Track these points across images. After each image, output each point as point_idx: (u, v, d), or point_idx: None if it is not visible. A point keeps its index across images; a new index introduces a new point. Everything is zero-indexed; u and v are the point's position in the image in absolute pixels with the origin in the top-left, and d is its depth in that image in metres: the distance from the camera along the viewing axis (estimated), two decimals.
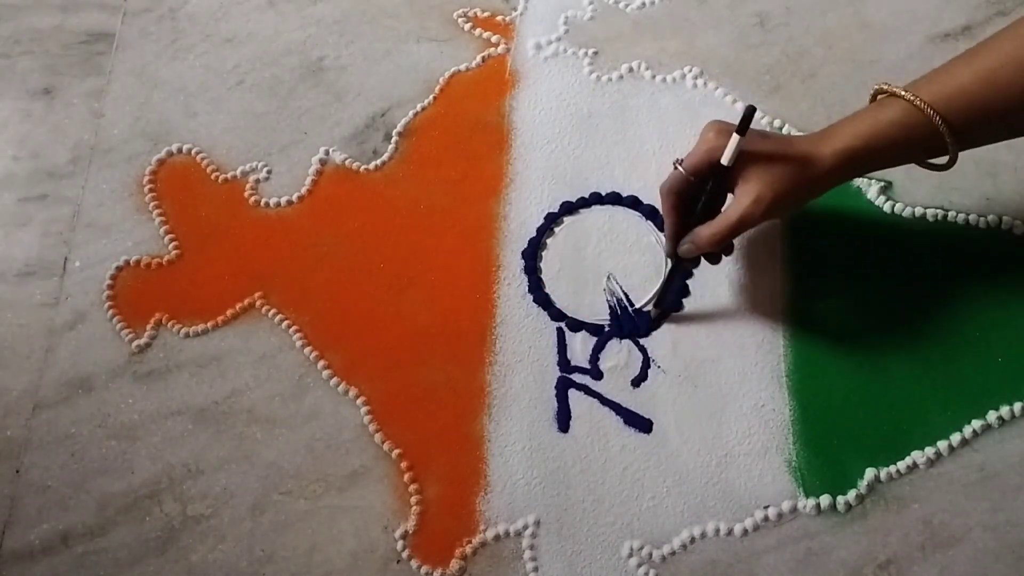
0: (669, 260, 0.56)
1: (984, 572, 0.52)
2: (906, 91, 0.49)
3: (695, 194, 0.53)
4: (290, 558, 0.53)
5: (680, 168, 0.52)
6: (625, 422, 0.56)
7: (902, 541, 0.53)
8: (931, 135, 0.48)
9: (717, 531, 0.53)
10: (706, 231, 0.52)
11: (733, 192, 0.52)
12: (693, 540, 0.53)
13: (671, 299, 0.59)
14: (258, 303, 0.60)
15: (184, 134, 0.66)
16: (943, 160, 0.51)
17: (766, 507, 0.54)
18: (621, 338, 0.59)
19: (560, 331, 0.59)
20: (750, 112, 0.48)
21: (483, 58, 0.68)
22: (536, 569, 0.53)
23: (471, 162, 0.64)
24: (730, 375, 0.57)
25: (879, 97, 0.51)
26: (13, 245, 0.62)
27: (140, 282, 0.61)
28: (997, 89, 0.47)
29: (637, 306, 0.59)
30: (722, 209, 0.53)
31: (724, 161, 0.50)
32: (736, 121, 0.50)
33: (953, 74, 0.48)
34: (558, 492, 0.55)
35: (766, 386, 0.57)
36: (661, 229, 0.61)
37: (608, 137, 0.65)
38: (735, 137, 0.49)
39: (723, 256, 0.56)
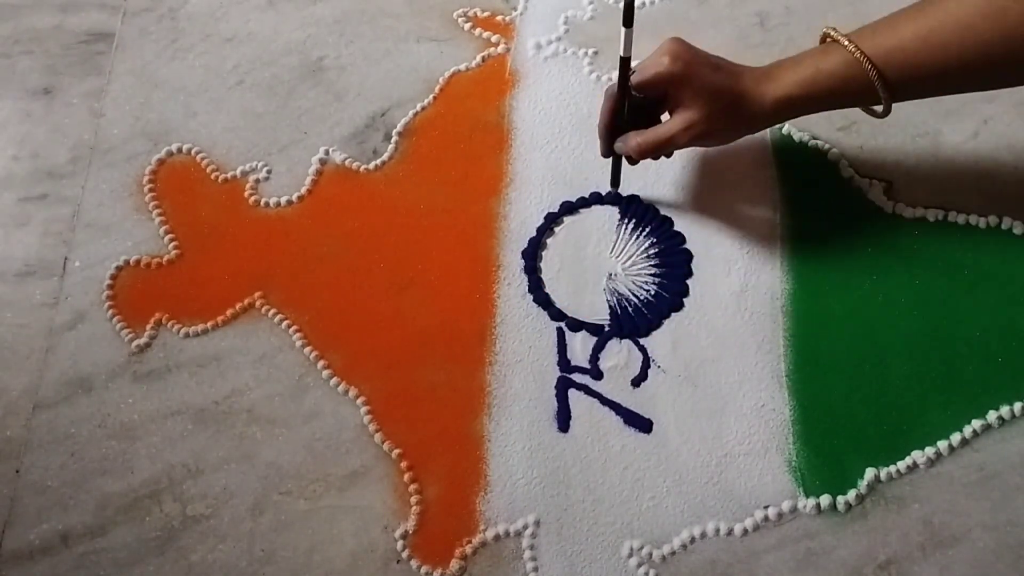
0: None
1: (984, 572, 0.52)
2: (849, 42, 0.50)
3: (624, 100, 0.55)
4: (290, 558, 0.53)
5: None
6: (625, 422, 0.56)
7: (902, 541, 0.53)
8: (868, 87, 0.50)
9: (717, 531, 0.53)
10: (635, 139, 0.55)
11: (670, 111, 0.54)
12: (693, 540, 0.53)
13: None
14: (258, 303, 0.60)
15: (184, 134, 0.66)
16: (880, 108, 0.52)
17: (766, 507, 0.54)
18: (621, 338, 0.59)
19: (560, 331, 0.59)
20: (629, 2, 0.50)
21: (483, 58, 0.68)
22: (536, 569, 0.53)
23: (471, 162, 0.64)
24: (730, 375, 0.57)
25: (827, 40, 0.53)
26: (13, 245, 0.62)
27: (140, 282, 0.61)
28: (935, 48, 0.48)
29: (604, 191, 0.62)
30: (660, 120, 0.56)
31: (620, 53, 0.52)
32: None
33: (896, 28, 0.50)
34: (558, 492, 0.55)
35: (766, 386, 0.57)
36: (659, 228, 0.61)
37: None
38: (623, 29, 0.51)
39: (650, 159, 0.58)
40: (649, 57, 0.53)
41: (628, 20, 0.50)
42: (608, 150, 0.58)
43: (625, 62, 0.52)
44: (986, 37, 0.47)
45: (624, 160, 0.59)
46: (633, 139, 0.55)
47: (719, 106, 0.52)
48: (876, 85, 0.50)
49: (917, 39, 0.49)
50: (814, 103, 0.52)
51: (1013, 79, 0.50)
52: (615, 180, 0.61)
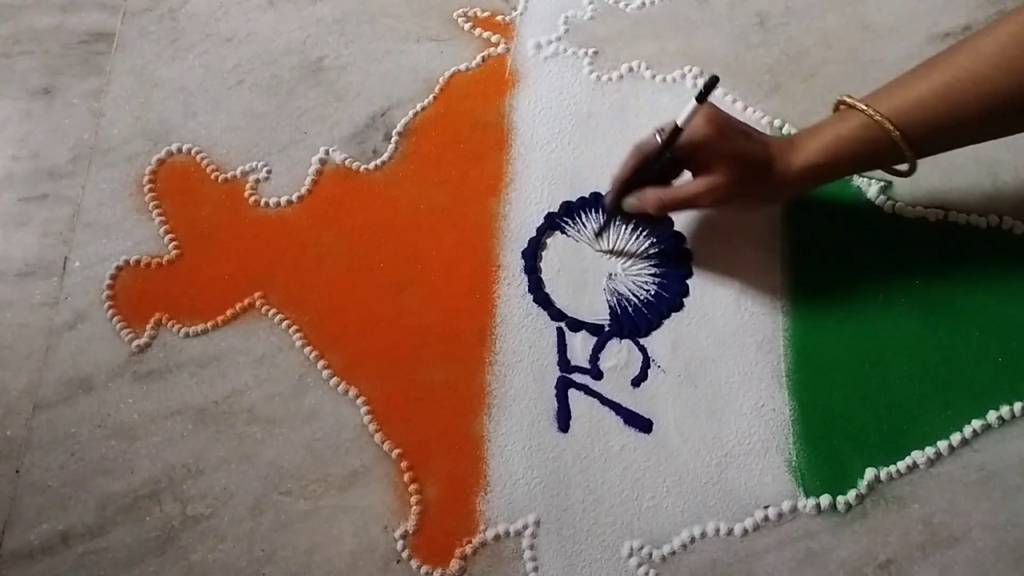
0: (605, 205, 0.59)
1: (984, 572, 0.52)
2: (866, 105, 0.50)
3: (658, 160, 0.54)
4: (290, 558, 0.53)
5: (659, 139, 0.53)
6: (625, 422, 0.56)
7: (902, 541, 0.53)
8: (890, 147, 0.50)
9: (717, 531, 0.53)
10: (654, 194, 0.54)
11: (696, 172, 0.54)
12: (693, 540, 0.53)
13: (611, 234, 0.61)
14: (258, 303, 0.60)
15: (184, 134, 0.66)
16: (904, 167, 0.52)
17: (766, 507, 0.54)
18: (621, 338, 0.59)
19: (560, 331, 0.59)
20: (712, 81, 0.50)
21: (483, 58, 0.68)
22: (536, 569, 0.53)
23: (471, 162, 0.64)
24: (730, 375, 0.57)
25: (841, 107, 0.53)
26: (13, 245, 0.62)
27: (140, 282, 0.61)
28: (953, 103, 0.49)
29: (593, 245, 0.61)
30: (673, 182, 0.56)
31: (679, 122, 0.51)
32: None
33: (911, 87, 0.50)
34: (558, 492, 0.55)
35: (766, 386, 0.57)
36: (656, 226, 0.61)
37: (608, 137, 0.65)
38: (692, 102, 0.50)
39: (655, 219, 0.58)
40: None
41: (703, 96, 0.50)
42: (615, 202, 0.57)
43: (678, 131, 0.51)
44: (1002, 88, 0.47)
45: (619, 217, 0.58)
46: (653, 195, 0.54)
47: (746, 174, 0.52)
48: (900, 144, 0.50)
49: (935, 96, 0.49)
50: (839, 168, 0.52)
51: None
52: (603, 233, 0.60)
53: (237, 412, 0.57)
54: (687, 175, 0.56)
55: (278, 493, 0.55)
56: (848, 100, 0.52)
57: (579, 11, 0.70)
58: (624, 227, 0.61)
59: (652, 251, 0.61)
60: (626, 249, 0.61)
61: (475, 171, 0.64)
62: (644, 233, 0.61)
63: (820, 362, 0.57)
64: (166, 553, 0.53)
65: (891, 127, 0.49)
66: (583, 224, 0.62)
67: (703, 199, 0.53)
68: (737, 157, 0.52)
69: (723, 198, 0.53)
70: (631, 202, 0.56)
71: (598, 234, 0.60)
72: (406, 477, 0.55)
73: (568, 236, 0.61)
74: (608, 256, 0.61)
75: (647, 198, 0.55)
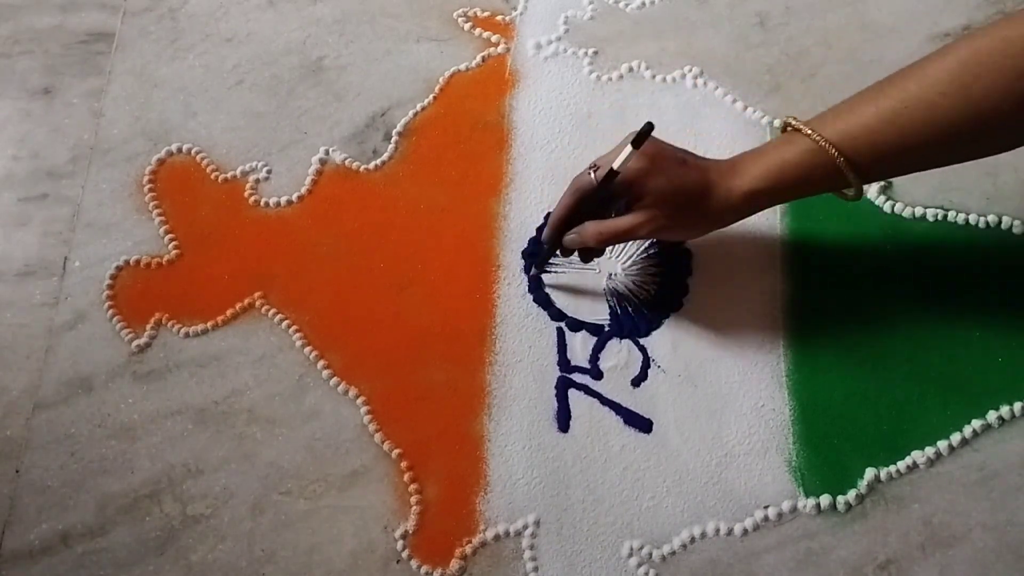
0: (543, 244, 0.59)
1: (984, 572, 0.52)
2: (812, 130, 0.49)
3: (596, 198, 0.53)
4: (290, 558, 0.53)
5: (593, 176, 0.52)
6: (625, 422, 0.56)
7: (902, 541, 0.53)
8: (835, 172, 0.49)
9: (717, 531, 0.53)
10: (594, 228, 0.53)
11: (632, 204, 0.52)
12: (693, 540, 0.53)
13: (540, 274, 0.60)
14: (258, 303, 0.60)
15: (184, 134, 0.66)
16: (850, 191, 0.51)
17: (766, 507, 0.54)
18: (621, 338, 0.59)
19: (560, 331, 0.59)
20: (647, 129, 0.49)
21: (483, 58, 0.68)
22: (536, 569, 0.53)
23: (471, 162, 0.64)
24: (730, 375, 0.57)
25: (787, 129, 0.51)
26: (13, 245, 0.62)
27: (140, 282, 0.61)
28: (900, 129, 0.47)
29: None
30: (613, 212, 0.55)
31: (615, 166, 0.50)
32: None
33: (857, 112, 0.49)
34: (558, 492, 0.55)
35: (766, 386, 0.57)
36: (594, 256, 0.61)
37: (608, 137, 0.65)
38: (628, 148, 0.50)
39: (590, 255, 0.58)
40: (614, 151, 0.52)
41: (638, 142, 0.49)
42: (555, 239, 0.56)
43: (614, 174, 0.51)
44: (950, 115, 0.46)
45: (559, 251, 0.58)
46: (592, 228, 0.53)
47: (683, 202, 0.51)
48: (844, 170, 0.49)
49: (881, 121, 0.48)
50: (782, 193, 0.51)
51: (981, 152, 0.50)
52: (541, 265, 0.60)
53: (237, 412, 0.57)
54: None
55: (278, 493, 0.55)
56: (793, 123, 0.51)
57: (579, 11, 0.70)
58: (563, 260, 0.60)
59: (652, 251, 0.61)
60: (626, 274, 0.60)
61: (475, 171, 0.64)
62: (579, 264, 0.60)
63: (820, 362, 0.57)
64: (166, 553, 0.53)
65: (835, 153, 0.48)
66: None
67: (640, 230, 0.52)
68: (671, 188, 0.51)
69: (661, 227, 0.52)
70: (571, 239, 0.55)
71: (538, 266, 0.60)
72: (406, 477, 0.55)
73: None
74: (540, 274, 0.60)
75: (586, 233, 0.54)
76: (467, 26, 0.70)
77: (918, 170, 0.52)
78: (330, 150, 0.65)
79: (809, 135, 0.49)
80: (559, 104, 0.66)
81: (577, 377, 0.58)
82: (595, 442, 0.56)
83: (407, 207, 0.63)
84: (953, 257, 0.60)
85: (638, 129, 0.50)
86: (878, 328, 0.58)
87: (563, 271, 0.60)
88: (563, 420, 0.56)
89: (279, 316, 0.59)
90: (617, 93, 0.67)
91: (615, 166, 0.50)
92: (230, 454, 0.56)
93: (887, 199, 0.61)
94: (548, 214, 0.62)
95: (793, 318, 0.58)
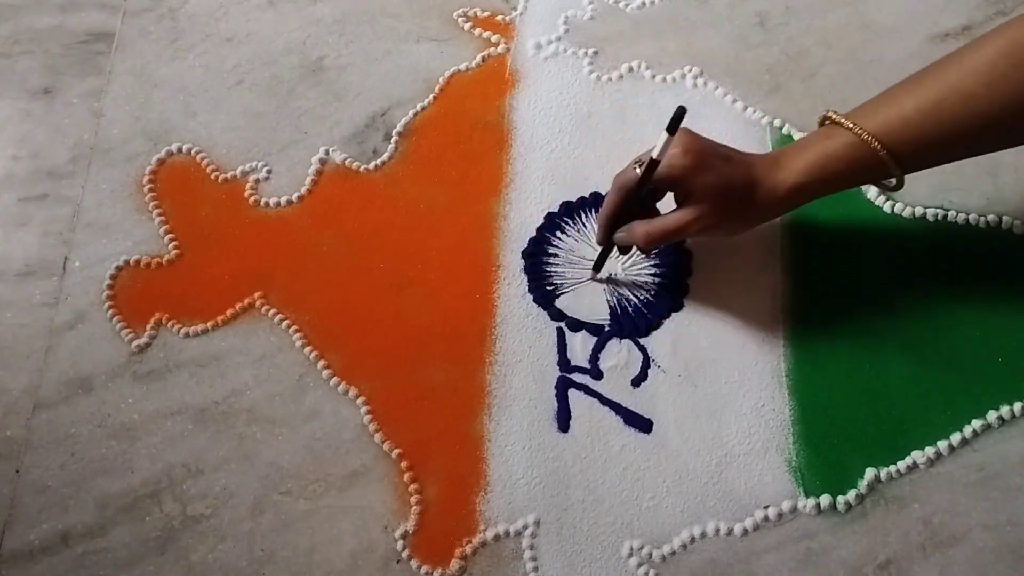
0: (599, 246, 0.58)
1: (984, 572, 0.52)
2: (853, 123, 0.50)
3: (640, 192, 0.53)
4: (290, 558, 0.53)
5: (637, 170, 0.52)
6: (625, 422, 0.56)
7: (902, 541, 0.53)
8: (877, 164, 0.50)
9: (717, 531, 0.53)
10: (642, 228, 0.53)
11: (679, 201, 0.53)
12: (693, 540, 0.53)
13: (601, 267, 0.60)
14: (258, 303, 0.60)
15: (184, 134, 0.66)
16: (892, 182, 0.52)
17: (766, 507, 0.54)
18: (621, 338, 0.59)
19: (560, 331, 0.59)
20: (680, 112, 0.48)
21: (483, 58, 0.68)
22: (536, 569, 0.53)
23: (471, 162, 0.64)
24: (730, 375, 0.57)
25: (826, 123, 0.52)
26: (13, 245, 0.62)
27: (140, 282, 0.61)
28: (940, 121, 0.48)
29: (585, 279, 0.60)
30: (658, 205, 0.55)
31: (654, 155, 0.50)
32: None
33: (897, 104, 0.49)
34: (558, 492, 0.55)
35: (766, 386, 0.57)
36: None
37: (608, 137, 0.65)
38: (664, 136, 0.49)
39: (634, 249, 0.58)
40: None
41: (673, 127, 0.49)
42: (607, 239, 0.56)
43: (655, 164, 0.50)
44: (990, 105, 0.47)
45: (616, 248, 0.58)
46: (640, 228, 0.53)
47: (730, 199, 0.51)
48: (887, 162, 0.49)
49: (920, 113, 0.48)
50: (826, 186, 0.51)
51: (1020, 142, 0.50)
52: (599, 266, 0.59)
53: (237, 412, 0.57)
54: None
55: (278, 493, 0.55)
56: (834, 116, 0.51)
57: (579, 11, 0.70)
58: (624, 260, 0.60)
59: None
60: (625, 274, 0.60)
61: (475, 171, 0.64)
62: (642, 258, 0.61)
63: (820, 362, 0.57)
64: (166, 553, 0.53)
65: (878, 145, 0.49)
66: (583, 224, 0.62)
67: (689, 229, 0.52)
68: (719, 185, 0.51)
69: (710, 226, 0.52)
70: (621, 236, 0.55)
71: (595, 268, 0.59)
72: (406, 477, 0.55)
73: (568, 236, 0.61)
74: (607, 280, 0.60)
75: (635, 234, 0.54)
76: (467, 26, 0.70)
77: (960, 158, 0.52)
78: (330, 150, 0.65)
79: (851, 128, 0.50)
80: (559, 104, 0.66)
81: (577, 377, 0.58)
82: (595, 442, 0.56)
83: (407, 207, 0.63)
84: (953, 257, 0.60)
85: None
86: (878, 328, 0.58)
87: (564, 270, 0.60)
88: (563, 420, 0.56)
89: (279, 316, 0.59)
90: (617, 93, 0.67)
91: (654, 155, 0.50)
92: (230, 454, 0.56)
93: (887, 199, 0.61)
94: (548, 214, 0.62)
95: (793, 318, 0.58)
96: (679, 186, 0.52)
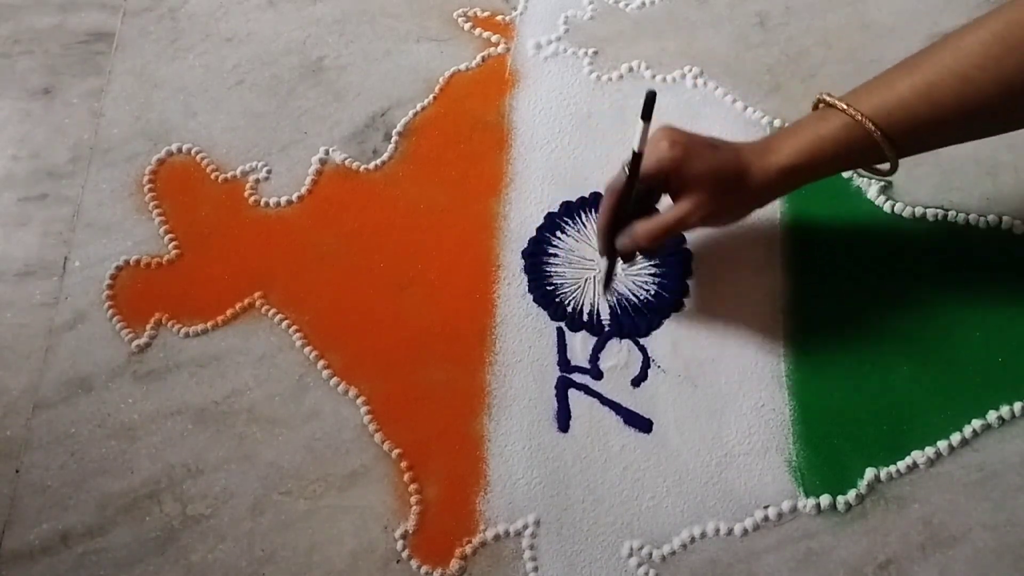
0: (602, 257, 0.58)
1: (984, 572, 0.52)
2: (847, 105, 0.49)
3: (631, 192, 0.53)
4: (290, 558, 0.53)
5: (626, 171, 0.52)
6: (625, 422, 0.56)
7: (902, 541, 0.53)
8: (871, 147, 0.49)
9: (717, 531, 0.53)
10: (644, 227, 0.53)
11: (674, 196, 0.52)
12: (693, 540, 0.53)
13: (612, 285, 0.60)
14: (258, 303, 0.60)
15: (184, 134, 0.66)
16: (886, 166, 0.51)
17: (766, 507, 0.54)
18: (621, 338, 0.59)
19: (560, 331, 0.59)
20: (650, 96, 0.47)
21: (483, 58, 0.68)
22: (536, 569, 0.53)
23: (471, 162, 0.64)
24: (730, 375, 0.57)
25: (820, 106, 0.51)
26: (13, 245, 0.62)
27: (140, 282, 0.61)
28: (935, 102, 0.47)
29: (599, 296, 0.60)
30: (657, 206, 0.55)
31: (634, 147, 0.50)
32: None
33: (893, 86, 0.49)
34: (558, 492, 0.55)
35: (766, 386, 0.57)
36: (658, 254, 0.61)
37: (608, 137, 0.65)
38: (640, 123, 0.48)
39: (640, 254, 0.57)
40: (647, 152, 0.51)
41: (647, 114, 0.48)
42: (608, 248, 0.55)
43: (638, 157, 0.50)
44: (985, 88, 0.46)
45: (619, 261, 0.57)
46: (641, 228, 0.53)
47: (724, 185, 0.51)
48: (881, 144, 0.49)
49: (917, 96, 0.48)
50: (819, 169, 0.51)
51: (1015, 126, 0.50)
52: (608, 283, 0.59)
53: (237, 412, 0.57)
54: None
55: (278, 493, 0.55)
56: (828, 99, 0.50)
57: (579, 11, 0.70)
58: (628, 266, 0.60)
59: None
60: (626, 274, 0.60)
61: (475, 171, 0.64)
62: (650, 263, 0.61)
63: (820, 362, 0.57)
64: (166, 553, 0.53)
65: (872, 127, 0.48)
66: (583, 224, 0.62)
67: (688, 220, 0.51)
68: (710, 170, 0.50)
69: (707, 215, 0.51)
70: (624, 242, 0.54)
71: (606, 286, 0.59)
72: (406, 477, 0.55)
73: (568, 236, 0.61)
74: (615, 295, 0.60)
75: (637, 234, 0.53)
76: (467, 26, 0.70)
77: (955, 142, 0.51)
78: (330, 150, 0.65)
79: (844, 110, 0.49)
80: (559, 104, 0.66)
81: (577, 377, 0.58)
82: (595, 442, 0.56)
83: (407, 207, 0.63)
84: (953, 257, 0.60)
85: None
86: (878, 328, 0.58)
87: (563, 269, 0.60)
88: (563, 420, 0.56)
89: (279, 316, 0.59)
90: (617, 93, 0.67)
91: (635, 147, 0.50)
92: (230, 454, 0.56)
93: (887, 199, 0.61)
94: (548, 214, 0.62)
95: (793, 318, 0.58)
96: (671, 180, 0.52)
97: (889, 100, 0.48)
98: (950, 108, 0.47)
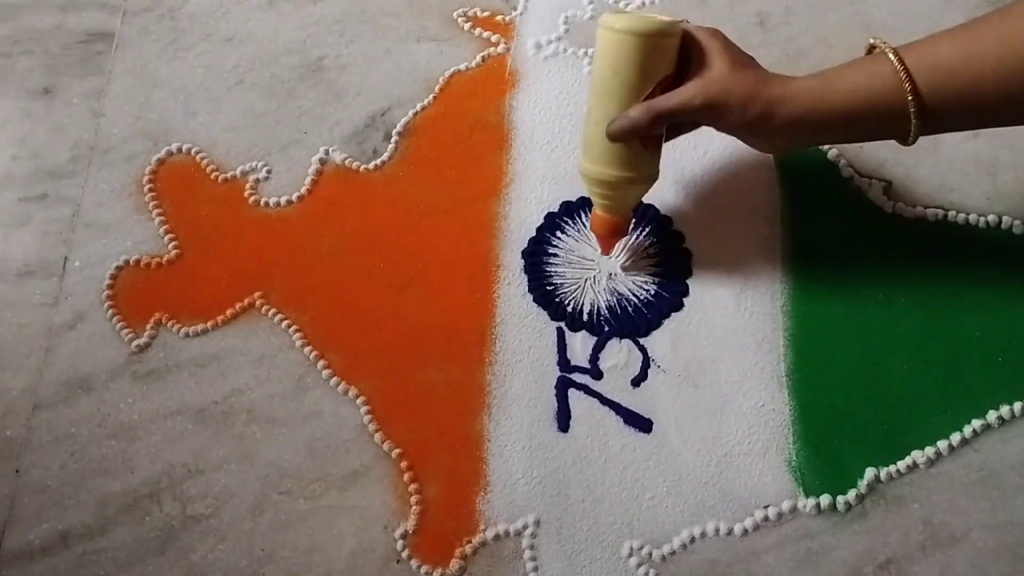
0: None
1: (984, 572, 0.52)
2: (893, 53, 0.48)
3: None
4: (290, 558, 0.53)
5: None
6: (625, 422, 0.56)
7: (902, 541, 0.53)
8: (898, 102, 0.47)
9: (717, 531, 0.53)
10: (642, 105, 0.51)
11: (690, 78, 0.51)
12: (693, 540, 0.53)
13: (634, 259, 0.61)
14: (258, 303, 0.60)
15: (184, 134, 0.66)
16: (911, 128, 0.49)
17: (766, 507, 0.54)
18: (621, 338, 0.59)
19: (560, 331, 0.59)
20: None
21: (483, 58, 0.68)
22: (536, 569, 0.53)
23: (471, 162, 0.64)
24: (730, 375, 0.57)
25: (872, 52, 0.50)
26: (13, 245, 0.62)
27: (140, 282, 0.61)
28: (974, 68, 0.46)
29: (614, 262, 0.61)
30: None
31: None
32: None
33: (936, 46, 0.48)
34: (558, 492, 0.55)
35: (766, 386, 0.57)
36: (659, 227, 0.61)
37: None
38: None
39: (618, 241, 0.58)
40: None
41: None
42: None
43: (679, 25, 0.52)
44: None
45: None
46: (641, 106, 0.50)
47: (742, 68, 0.50)
48: (909, 100, 0.47)
49: (958, 55, 0.46)
50: (836, 108, 0.49)
51: None
52: (628, 258, 0.60)
53: (237, 412, 0.57)
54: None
55: (278, 493, 0.55)
56: (881, 46, 0.49)
57: (579, 11, 0.70)
58: (622, 257, 0.61)
59: (652, 251, 0.61)
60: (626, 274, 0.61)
61: (475, 171, 0.64)
62: (644, 233, 0.61)
63: (820, 362, 0.57)
64: (166, 553, 0.53)
65: (905, 78, 0.47)
66: (583, 224, 0.62)
67: (695, 101, 0.49)
68: (732, 50, 0.50)
69: (715, 93, 0.49)
70: (620, 123, 0.51)
71: (625, 262, 0.60)
72: (406, 477, 0.55)
73: (568, 236, 0.61)
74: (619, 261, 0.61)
75: (636, 112, 0.50)
76: (467, 26, 0.70)
77: (982, 120, 0.50)
78: (330, 150, 0.65)
79: (890, 58, 0.48)
80: (559, 104, 0.66)
81: (577, 377, 0.58)
82: (595, 442, 0.56)
83: (407, 207, 0.63)
84: (953, 257, 0.60)
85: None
86: (878, 328, 0.58)
87: (563, 269, 0.60)
88: (563, 420, 0.56)
89: (279, 316, 0.59)
90: None
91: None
92: (230, 454, 0.56)
93: (887, 199, 0.61)
94: (548, 214, 0.62)
95: (793, 318, 0.58)
96: (692, 51, 0.51)
97: (929, 57, 0.47)
98: (985, 77, 0.46)
